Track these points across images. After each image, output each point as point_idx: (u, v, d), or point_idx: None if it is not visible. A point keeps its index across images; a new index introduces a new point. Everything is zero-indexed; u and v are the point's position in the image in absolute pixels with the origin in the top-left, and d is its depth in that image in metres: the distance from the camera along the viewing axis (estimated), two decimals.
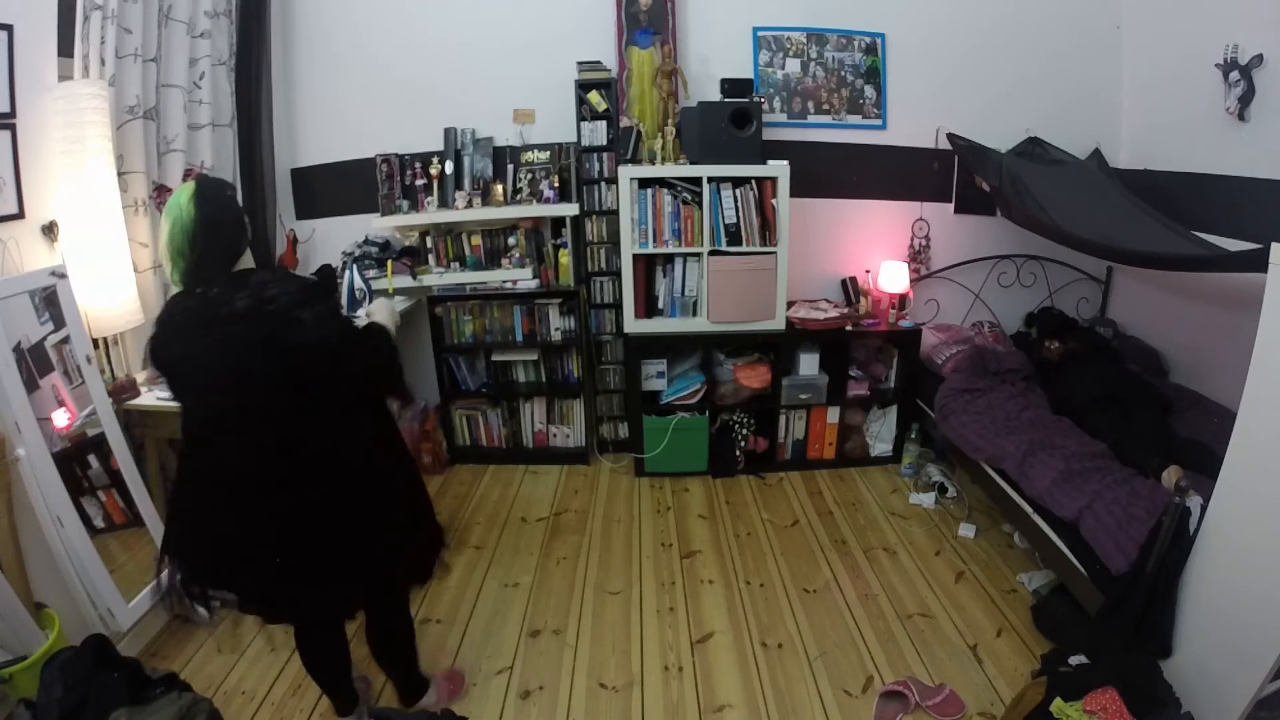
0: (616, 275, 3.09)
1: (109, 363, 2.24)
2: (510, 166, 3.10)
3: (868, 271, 3.28)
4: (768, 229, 2.85)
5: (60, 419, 1.92)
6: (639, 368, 3.09)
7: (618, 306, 3.15)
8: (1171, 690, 1.58)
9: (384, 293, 2.85)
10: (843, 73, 3.16)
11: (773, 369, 3.08)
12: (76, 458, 1.98)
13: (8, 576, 1.68)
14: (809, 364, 3.10)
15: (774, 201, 2.82)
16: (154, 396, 2.19)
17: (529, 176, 3.09)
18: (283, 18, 3.04)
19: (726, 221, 2.84)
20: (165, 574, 1.47)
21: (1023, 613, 2.22)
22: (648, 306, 3.01)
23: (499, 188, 3.03)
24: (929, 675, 1.99)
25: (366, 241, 3.01)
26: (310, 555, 1.40)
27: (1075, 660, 1.72)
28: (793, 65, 3.14)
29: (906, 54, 3.16)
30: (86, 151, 2.05)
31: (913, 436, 3.14)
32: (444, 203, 3.06)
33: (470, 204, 3.01)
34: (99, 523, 2.02)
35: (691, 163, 2.85)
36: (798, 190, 2.86)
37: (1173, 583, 1.68)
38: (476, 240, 3.08)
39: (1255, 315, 1.51)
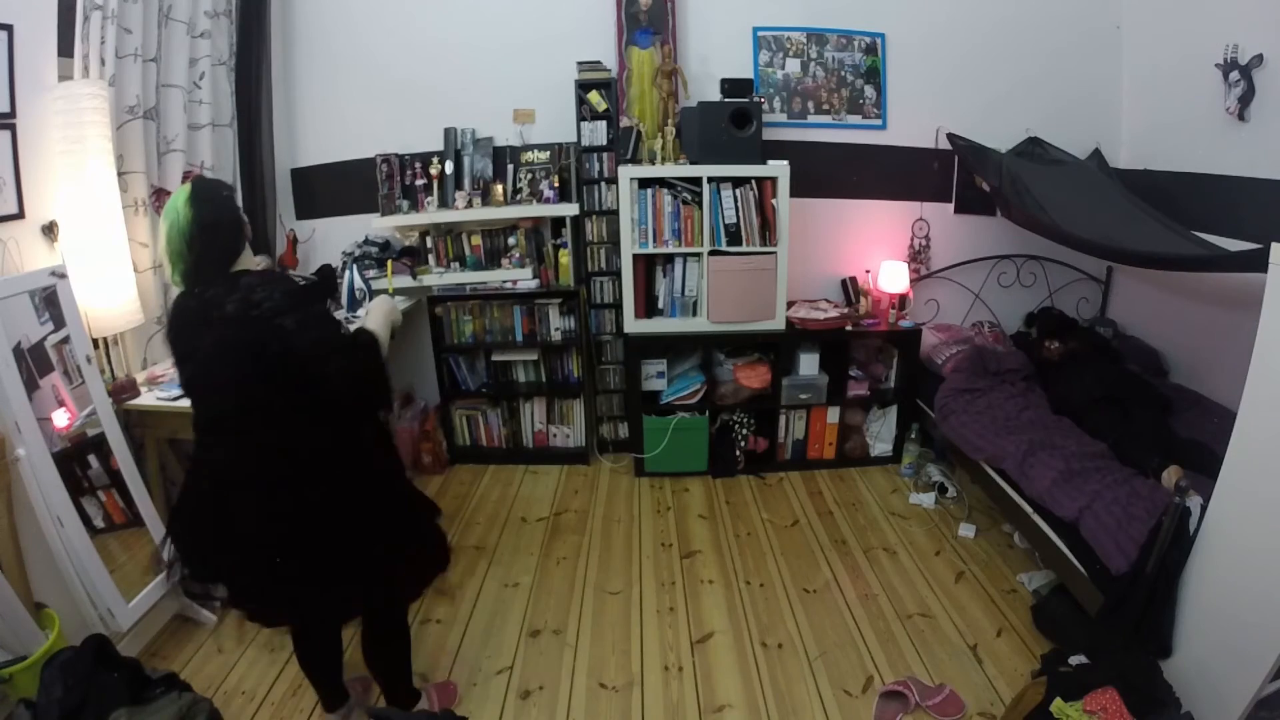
0: (616, 275, 3.09)
1: (109, 363, 2.24)
2: (510, 166, 3.10)
3: (868, 271, 3.28)
4: (768, 229, 2.85)
5: (60, 419, 1.92)
6: (639, 368, 3.09)
7: (618, 306, 3.15)
8: (1171, 690, 1.58)
9: (384, 292, 2.84)
10: (843, 73, 3.16)
11: (773, 369, 3.08)
12: (76, 458, 1.98)
13: (8, 576, 1.68)
14: (809, 364, 3.10)
15: (774, 201, 2.81)
16: (154, 396, 2.19)
17: (529, 176, 3.09)
18: (283, 18, 3.04)
19: (726, 221, 2.84)
20: (169, 552, 1.48)
21: (1023, 613, 2.22)
22: (648, 306, 3.01)
23: (499, 188, 3.03)
24: (929, 675, 1.99)
25: (366, 241, 3.01)
26: (310, 555, 1.40)
27: (1075, 660, 1.72)
28: (793, 65, 3.14)
29: (906, 54, 3.16)
30: (86, 151, 2.05)
31: (913, 436, 3.13)
32: (444, 203, 3.06)
33: (470, 204, 3.01)
34: (99, 523, 2.02)
35: (691, 163, 2.85)
36: (798, 190, 2.86)
37: (1173, 583, 1.68)
38: (476, 240, 3.08)
39: (1255, 315, 1.51)
